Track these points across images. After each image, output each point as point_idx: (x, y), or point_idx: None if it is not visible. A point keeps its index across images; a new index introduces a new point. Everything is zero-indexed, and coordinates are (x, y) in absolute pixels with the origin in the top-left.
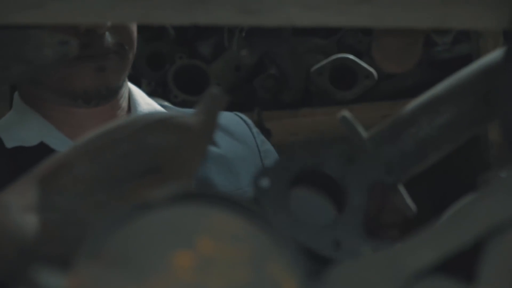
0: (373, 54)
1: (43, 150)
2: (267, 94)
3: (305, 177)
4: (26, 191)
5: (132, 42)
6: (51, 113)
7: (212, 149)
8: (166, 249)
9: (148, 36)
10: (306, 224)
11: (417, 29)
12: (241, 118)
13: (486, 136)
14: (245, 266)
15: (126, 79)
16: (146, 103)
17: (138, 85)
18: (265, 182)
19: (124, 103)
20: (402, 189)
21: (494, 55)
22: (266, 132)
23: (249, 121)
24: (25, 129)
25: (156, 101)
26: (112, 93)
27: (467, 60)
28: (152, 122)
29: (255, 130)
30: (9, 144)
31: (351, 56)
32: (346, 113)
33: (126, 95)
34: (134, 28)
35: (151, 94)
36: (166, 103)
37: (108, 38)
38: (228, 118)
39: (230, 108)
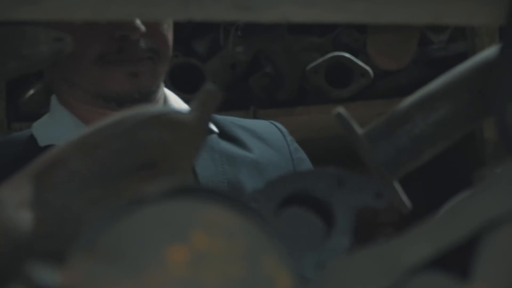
0: (368, 50)
1: None
2: (262, 93)
3: (296, 198)
4: (21, 187)
5: (167, 48)
6: (85, 114)
7: (246, 153)
8: (160, 244)
9: None
10: (291, 246)
11: (412, 25)
12: (276, 126)
13: (482, 133)
14: (240, 262)
15: (162, 84)
16: (180, 107)
17: None
18: (254, 204)
19: (159, 106)
20: (397, 186)
21: (489, 52)
22: None
23: (284, 130)
24: (59, 129)
25: None
26: (144, 97)
27: (463, 58)
28: (146, 118)
29: (290, 138)
30: (42, 142)
31: (347, 54)
32: (341, 109)
33: (161, 99)
34: (169, 34)
35: None
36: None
37: (142, 44)
38: (262, 125)
39: (225, 106)
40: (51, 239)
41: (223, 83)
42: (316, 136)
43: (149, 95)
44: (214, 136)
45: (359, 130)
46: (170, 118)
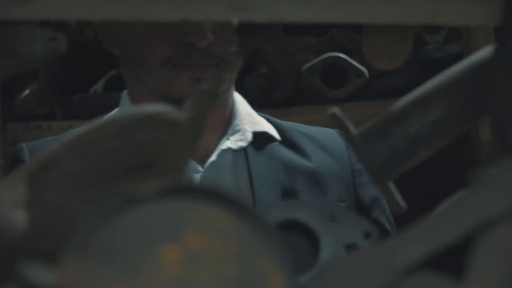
0: (363, 51)
1: None
2: (258, 93)
3: (288, 225)
4: (15, 187)
5: (235, 57)
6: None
7: (304, 162)
8: (154, 244)
9: None
10: None
11: (407, 25)
12: (340, 135)
13: (477, 134)
14: (233, 261)
15: (232, 88)
16: (247, 113)
17: None
18: None
19: (225, 112)
20: (392, 187)
21: (484, 52)
22: None
23: None
24: None
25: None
26: None
27: (458, 59)
28: (141, 118)
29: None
30: None
31: (342, 55)
32: (336, 109)
33: (228, 104)
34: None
35: None
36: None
37: (210, 51)
38: (326, 134)
39: None
40: (45, 239)
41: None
42: None
43: None
44: (276, 144)
45: (354, 130)
46: (165, 117)
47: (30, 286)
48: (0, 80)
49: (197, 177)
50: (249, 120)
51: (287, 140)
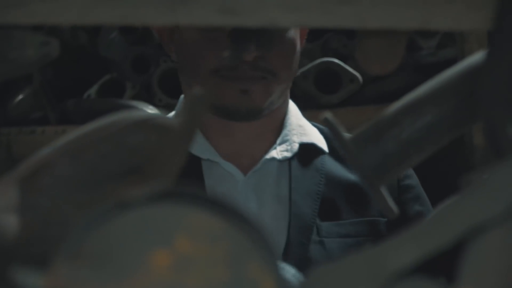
0: (356, 55)
1: None
2: None
3: None
4: (7, 191)
5: (285, 69)
6: (204, 119)
7: (347, 174)
8: (144, 248)
9: (132, 39)
10: None
11: (399, 30)
12: None
13: (471, 139)
14: (223, 265)
15: (284, 99)
16: (297, 124)
17: (123, 88)
18: None
19: (275, 123)
20: (384, 191)
21: (476, 57)
22: None
23: None
24: None
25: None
26: (253, 114)
27: (452, 64)
28: (133, 122)
29: None
30: None
31: (336, 60)
32: (328, 114)
33: (279, 115)
34: (292, 54)
35: (135, 97)
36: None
37: (257, 64)
38: None
39: None
40: (36, 243)
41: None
42: None
43: (258, 112)
44: (322, 156)
45: (346, 135)
46: (157, 122)
47: None
48: None
49: (239, 184)
50: (299, 131)
51: (335, 152)
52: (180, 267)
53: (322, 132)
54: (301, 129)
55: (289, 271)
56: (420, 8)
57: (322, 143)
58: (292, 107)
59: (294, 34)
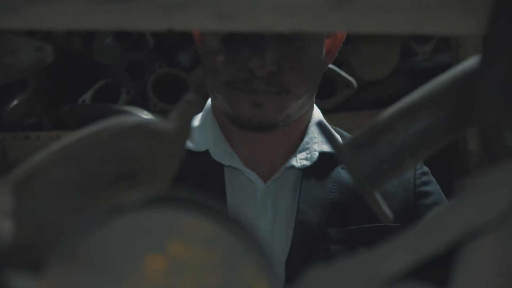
0: (351, 60)
1: (206, 158)
2: None
3: None
4: (1, 196)
5: (300, 85)
6: (225, 125)
7: None
8: (138, 253)
9: (127, 45)
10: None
11: (393, 35)
12: None
13: (466, 145)
14: (217, 270)
15: (311, 107)
16: (321, 141)
17: (117, 94)
18: None
19: (294, 133)
20: (378, 196)
21: (470, 62)
22: None
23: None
24: (201, 134)
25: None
26: (264, 127)
27: (447, 69)
28: (127, 127)
29: (421, 171)
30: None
31: (331, 65)
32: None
33: (300, 125)
34: (310, 70)
35: (130, 103)
36: None
37: (271, 79)
38: None
39: None
40: (30, 248)
41: (207, 93)
42: None
43: (270, 126)
44: (338, 168)
45: (340, 140)
46: (150, 127)
47: None
48: None
49: (258, 192)
50: (320, 139)
51: None
52: (173, 271)
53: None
54: (323, 137)
55: None
56: (415, 13)
57: None
58: (317, 113)
59: (316, 48)
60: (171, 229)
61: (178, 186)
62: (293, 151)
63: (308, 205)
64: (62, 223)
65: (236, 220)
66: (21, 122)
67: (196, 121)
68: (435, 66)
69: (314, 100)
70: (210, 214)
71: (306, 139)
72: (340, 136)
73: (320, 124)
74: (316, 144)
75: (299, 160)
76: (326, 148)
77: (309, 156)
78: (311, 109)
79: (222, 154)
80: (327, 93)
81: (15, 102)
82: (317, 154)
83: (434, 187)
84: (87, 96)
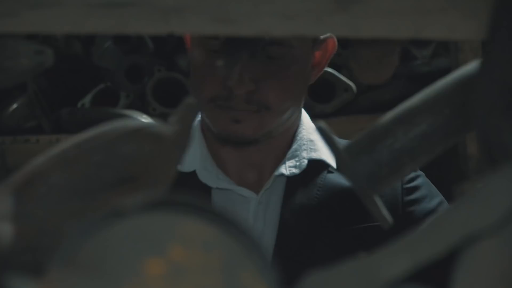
0: (350, 64)
1: (193, 179)
2: None
3: None
4: (1, 200)
5: (280, 102)
6: (212, 140)
7: (345, 182)
8: (138, 257)
9: (126, 49)
10: None
11: (393, 39)
12: None
13: (465, 149)
14: (217, 274)
15: (298, 116)
16: (308, 139)
17: (117, 98)
18: None
19: (285, 138)
20: (378, 201)
21: (470, 67)
22: None
23: None
24: (189, 154)
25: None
26: (245, 142)
27: (446, 74)
28: (126, 131)
29: (410, 176)
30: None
31: (330, 69)
32: (322, 123)
33: (291, 130)
34: (292, 86)
35: (129, 107)
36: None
37: (250, 97)
38: None
39: None
40: (30, 252)
41: None
42: None
43: (249, 142)
44: (324, 173)
45: (339, 145)
46: (150, 131)
47: None
48: None
49: (251, 204)
50: (309, 146)
51: None
52: (173, 275)
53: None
54: (312, 144)
55: None
56: (414, 17)
57: (331, 159)
58: (305, 119)
59: (300, 64)
60: (171, 233)
61: None
62: (281, 158)
63: (291, 213)
64: (62, 227)
65: (236, 224)
66: (20, 125)
67: None
68: (434, 70)
69: (301, 107)
70: (210, 217)
71: (294, 146)
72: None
73: (320, 129)
74: (305, 152)
75: (288, 168)
76: (315, 155)
77: (298, 163)
78: (299, 116)
79: (208, 176)
80: (326, 97)
81: (14, 106)
82: (306, 161)
83: (421, 180)
84: (87, 100)
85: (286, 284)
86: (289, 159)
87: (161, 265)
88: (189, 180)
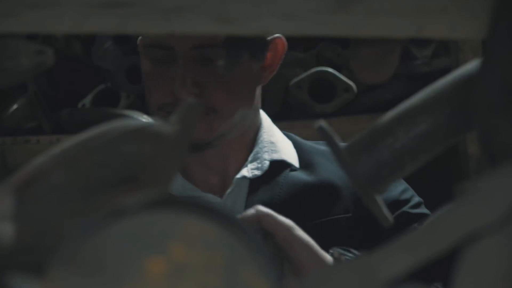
0: (351, 64)
1: None
2: None
3: None
4: (2, 200)
5: (231, 103)
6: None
7: (311, 180)
8: (139, 256)
9: (127, 49)
10: None
11: (393, 38)
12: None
13: (465, 149)
14: (218, 272)
15: (255, 118)
16: (269, 141)
17: (117, 98)
18: None
19: (245, 141)
20: (379, 200)
21: (471, 66)
22: None
23: None
24: None
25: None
26: (197, 147)
27: (446, 73)
28: (127, 131)
29: None
30: None
31: (330, 70)
32: (322, 123)
33: (251, 132)
34: (238, 88)
35: (130, 107)
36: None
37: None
38: None
39: None
40: (31, 251)
41: None
42: None
43: (201, 146)
44: (286, 171)
45: (340, 144)
46: (151, 131)
47: None
48: None
49: None
50: (270, 148)
51: (303, 161)
52: (175, 274)
53: (296, 144)
54: (273, 145)
55: None
56: (414, 16)
57: (292, 158)
58: (266, 122)
59: (244, 66)
60: (172, 231)
61: None
62: (244, 162)
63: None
64: (62, 227)
65: (237, 222)
66: (20, 126)
67: None
68: (435, 70)
69: (256, 109)
70: (211, 216)
71: (256, 149)
72: (291, 140)
73: (320, 128)
74: (266, 153)
75: (251, 170)
76: (276, 156)
77: (259, 165)
78: (256, 119)
79: (174, 185)
80: (327, 97)
81: (14, 107)
82: (267, 163)
83: None
84: (87, 100)
85: None
86: (251, 162)
87: (162, 264)
88: None
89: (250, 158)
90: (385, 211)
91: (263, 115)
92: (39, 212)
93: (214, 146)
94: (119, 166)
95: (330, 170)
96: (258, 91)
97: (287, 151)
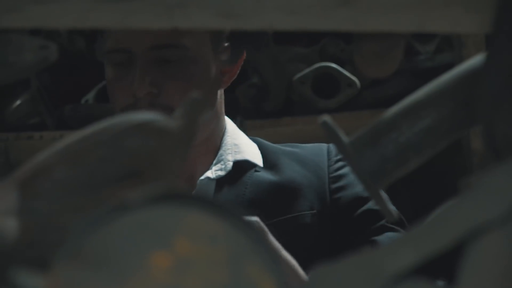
0: (354, 59)
1: None
2: (249, 103)
3: None
4: (6, 195)
5: None
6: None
7: (275, 179)
8: (143, 250)
9: None
10: None
11: (396, 33)
12: (325, 149)
13: (468, 143)
14: (223, 267)
15: (218, 123)
16: (233, 143)
17: None
18: None
19: (210, 145)
20: (383, 195)
21: (475, 61)
22: None
23: (333, 151)
24: None
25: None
26: None
27: (450, 69)
28: (131, 126)
29: (336, 158)
30: None
31: (334, 65)
32: (326, 117)
33: (215, 136)
34: (195, 86)
35: None
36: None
37: (154, 101)
38: (310, 148)
39: None
40: (35, 247)
41: None
42: None
43: None
44: (255, 169)
45: (344, 139)
46: (155, 126)
47: None
48: None
49: None
50: (233, 149)
51: (267, 162)
52: (179, 268)
53: (260, 145)
54: (236, 147)
55: None
56: (418, 11)
57: (256, 158)
58: (230, 126)
59: (201, 66)
60: (177, 226)
61: None
62: (210, 165)
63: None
64: (66, 222)
65: (242, 217)
66: (24, 122)
67: None
68: (438, 65)
69: (222, 113)
70: (216, 211)
71: (220, 151)
72: (257, 143)
73: (324, 123)
74: (230, 155)
75: (214, 172)
76: (239, 156)
77: (223, 166)
78: (221, 123)
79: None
80: (330, 92)
81: (17, 102)
82: (231, 163)
83: (348, 169)
84: (90, 96)
85: None
86: (215, 164)
87: (167, 258)
88: None
89: (214, 161)
90: (390, 205)
91: (227, 120)
92: (43, 208)
93: None
94: (123, 161)
95: (295, 170)
96: (220, 96)
97: (250, 152)
